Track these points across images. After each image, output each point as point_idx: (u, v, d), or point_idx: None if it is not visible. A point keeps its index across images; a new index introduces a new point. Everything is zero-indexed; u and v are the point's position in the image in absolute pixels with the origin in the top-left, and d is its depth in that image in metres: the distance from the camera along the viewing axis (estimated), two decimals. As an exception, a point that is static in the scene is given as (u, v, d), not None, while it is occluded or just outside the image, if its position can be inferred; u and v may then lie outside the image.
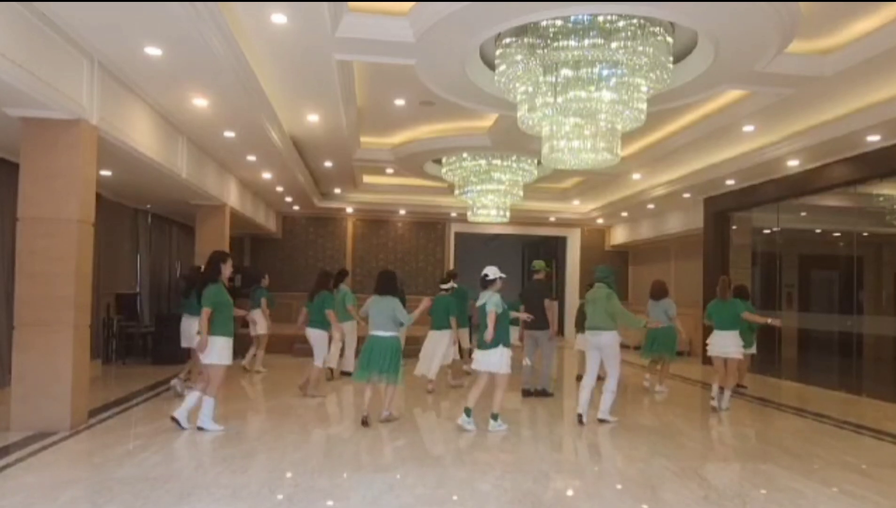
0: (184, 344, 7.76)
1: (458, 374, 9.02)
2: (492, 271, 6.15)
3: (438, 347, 8.17)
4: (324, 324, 7.61)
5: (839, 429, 6.64)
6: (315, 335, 7.64)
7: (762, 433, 6.54)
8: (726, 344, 7.30)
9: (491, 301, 6.03)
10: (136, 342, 10.79)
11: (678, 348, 8.92)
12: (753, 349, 8.78)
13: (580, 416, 6.46)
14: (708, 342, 7.58)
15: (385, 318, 6.23)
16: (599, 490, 4.40)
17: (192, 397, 5.85)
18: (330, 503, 3.98)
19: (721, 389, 7.38)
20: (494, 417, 6.10)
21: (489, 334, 5.97)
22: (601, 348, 6.54)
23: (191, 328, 7.33)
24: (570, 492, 4.36)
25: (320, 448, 5.37)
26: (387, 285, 6.36)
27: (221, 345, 5.74)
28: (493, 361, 6.01)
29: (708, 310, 7.67)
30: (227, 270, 5.99)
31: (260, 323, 9.68)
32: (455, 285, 8.86)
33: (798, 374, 10.59)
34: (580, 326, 9.68)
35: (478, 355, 6.15)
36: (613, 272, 7.00)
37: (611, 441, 5.88)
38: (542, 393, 8.14)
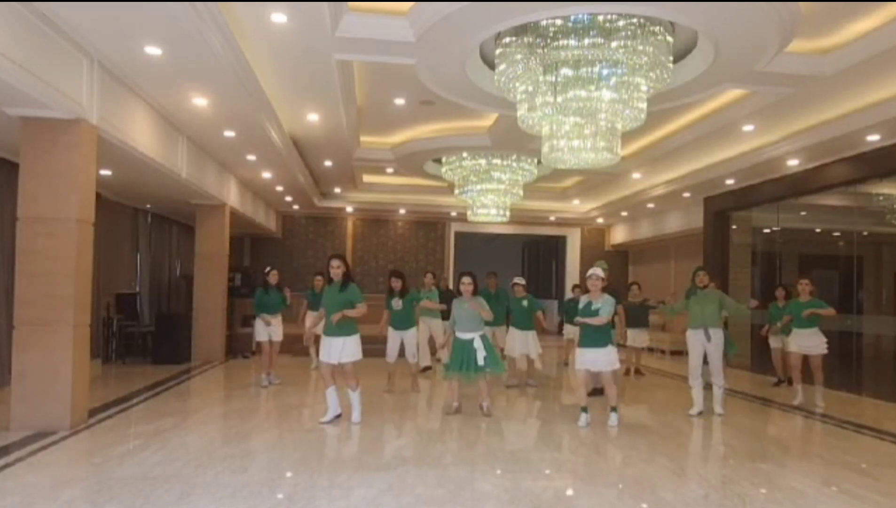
0: (262, 338, 8.50)
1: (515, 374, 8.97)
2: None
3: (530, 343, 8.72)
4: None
5: (839, 429, 6.64)
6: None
7: (762, 433, 6.53)
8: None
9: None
10: (135, 342, 10.79)
11: None
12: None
13: (701, 413, 6.99)
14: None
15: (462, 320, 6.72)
16: (599, 490, 4.40)
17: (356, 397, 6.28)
18: (330, 503, 3.99)
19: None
20: (614, 409, 6.45)
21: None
22: (710, 344, 6.97)
23: (265, 325, 8.48)
24: (570, 492, 4.36)
25: (320, 448, 5.37)
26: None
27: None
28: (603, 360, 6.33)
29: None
30: (333, 271, 6.16)
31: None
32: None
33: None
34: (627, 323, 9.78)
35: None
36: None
37: (611, 441, 5.88)
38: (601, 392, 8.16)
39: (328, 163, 11.68)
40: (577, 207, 16.23)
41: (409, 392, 8.06)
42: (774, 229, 11.55)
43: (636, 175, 12.31)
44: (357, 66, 7.12)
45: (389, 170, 12.80)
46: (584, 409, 6.40)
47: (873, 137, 8.05)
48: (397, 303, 7.99)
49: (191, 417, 6.49)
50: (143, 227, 11.61)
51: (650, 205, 13.89)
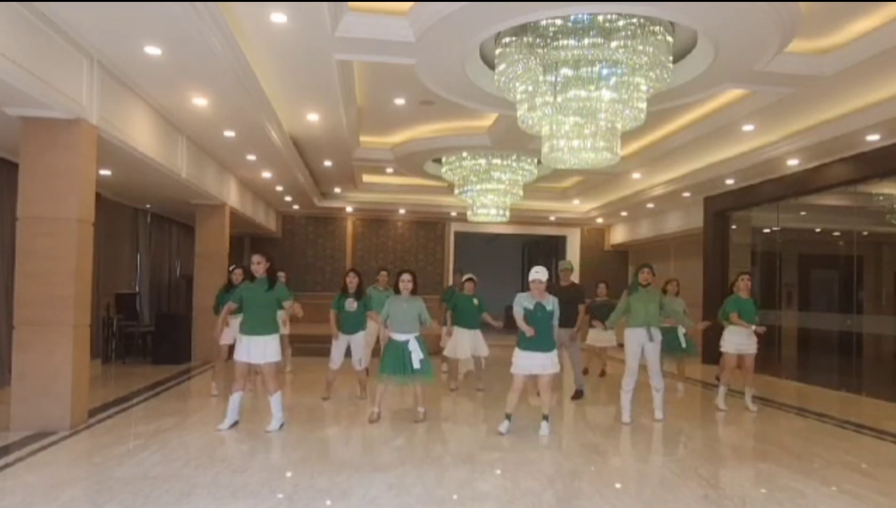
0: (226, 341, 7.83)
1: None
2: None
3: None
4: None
5: (840, 429, 6.65)
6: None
7: (762, 433, 6.53)
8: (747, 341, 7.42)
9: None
10: (135, 342, 10.79)
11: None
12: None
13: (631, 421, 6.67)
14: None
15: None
16: (599, 489, 4.40)
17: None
18: (330, 503, 3.99)
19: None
20: (545, 417, 6.12)
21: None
22: (651, 344, 6.67)
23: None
24: (570, 492, 4.36)
25: (320, 448, 5.37)
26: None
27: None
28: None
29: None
30: (255, 267, 5.93)
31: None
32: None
33: (798, 373, 10.59)
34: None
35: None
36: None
37: (611, 441, 5.88)
38: (578, 395, 8.13)
39: (328, 163, 11.68)
40: (577, 207, 16.24)
41: (357, 397, 7.62)
42: (774, 229, 11.54)
43: (636, 175, 12.30)
44: (357, 66, 7.12)
45: (389, 170, 12.80)
46: (509, 416, 6.06)
47: (873, 137, 8.05)
48: (352, 304, 7.18)
49: (191, 417, 6.48)
50: (143, 227, 11.61)
51: (650, 205, 13.89)
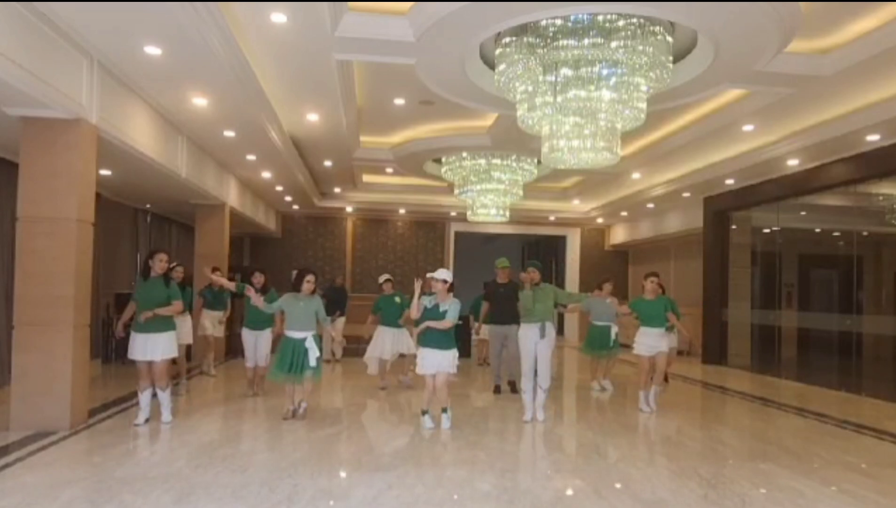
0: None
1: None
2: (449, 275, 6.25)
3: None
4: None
5: (839, 429, 6.65)
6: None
7: (762, 433, 6.53)
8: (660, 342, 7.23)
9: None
10: (135, 342, 10.76)
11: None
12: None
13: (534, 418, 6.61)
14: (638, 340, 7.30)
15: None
16: (599, 489, 4.40)
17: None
18: (330, 502, 3.99)
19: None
20: (445, 410, 6.23)
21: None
22: (543, 341, 6.55)
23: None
24: (569, 492, 4.37)
25: (320, 448, 5.37)
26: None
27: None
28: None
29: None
30: (161, 265, 6.02)
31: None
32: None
33: (798, 373, 10.59)
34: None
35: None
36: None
37: (611, 441, 5.88)
38: (514, 388, 8.12)
39: (328, 163, 11.68)
40: (577, 207, 16.24)
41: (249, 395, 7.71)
42: (774, 229, 11.55)
43: (636, 175, 12.31)
44: (357, 66, 7.12)
45: (389, 170, 12.80)
46: (425, 412, 6.22)
47: (873, 137, 8.05)
48: (258, 299, 7.10)
49: (191, 417, 6.48)
50: (143, 227, 11.60)
51: (650, 205, 13.89)
